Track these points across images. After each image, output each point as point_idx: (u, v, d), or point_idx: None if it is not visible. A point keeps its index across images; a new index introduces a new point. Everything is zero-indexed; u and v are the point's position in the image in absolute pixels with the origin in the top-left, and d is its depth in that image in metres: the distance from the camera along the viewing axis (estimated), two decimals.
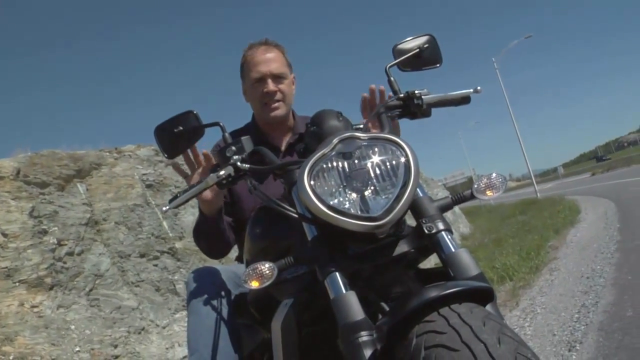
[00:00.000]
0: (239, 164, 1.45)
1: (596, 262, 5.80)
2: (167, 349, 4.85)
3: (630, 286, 4.38)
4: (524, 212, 16.73)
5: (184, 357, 4.83)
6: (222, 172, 1.45)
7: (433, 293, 0.93)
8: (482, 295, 0.99)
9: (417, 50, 1.74)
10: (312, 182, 1.15)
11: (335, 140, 1.20)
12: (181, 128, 1.59)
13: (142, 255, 5.35)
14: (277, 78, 2.05)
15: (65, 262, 4.58)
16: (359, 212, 1.12)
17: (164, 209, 1.51)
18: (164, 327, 5.06)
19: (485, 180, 1.23)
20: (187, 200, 1.52)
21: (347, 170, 1.16)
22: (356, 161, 1.17)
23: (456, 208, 16.46)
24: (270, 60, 2.05)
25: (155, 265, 5.43)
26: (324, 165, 1.17)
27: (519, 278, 5.93)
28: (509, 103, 25.68)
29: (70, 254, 4.67)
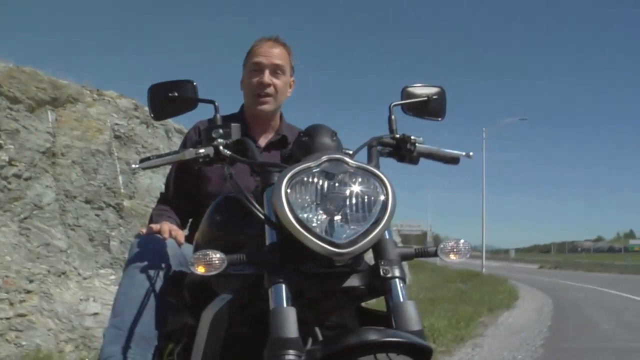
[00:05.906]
0: (221, 148, 1.43)
1: (520, 351, 5.88)
2: (81, 300, 4.73)
3: None
4: (465, 281, 16.96)
5: (95, 313, 4.71)
6: (202, 150, 1.42)
7: (374, 336, 0.93)
8: (420, 353, 0.99)
9: (425, 98, 1.73)
10: (288, 190, 1.14)
11: (324, 158, 1.19)
12: (176, 94, 1.56)
13: (87, 202, 5.23)
14: (275, 72, 2.03)
15: (9, 183, 4.44)
16: (324, 234, 1.11)
17: (134, 166, 1.48)
18: (85, 278, 4.94)
19: (452, 243, 1.25)
20: (158, 166, 1.49)
21: (325, 190, 1.16)
22: (337, 184, 1.16)
23: None
24: (273, 54, 2.03)
25: (97, 215, 5.31)
26: (305, 178, 1.16)
27: (442, 343, 5.98)
28: (485, 177, 26.17)
29: (17, 176, 4.53)
